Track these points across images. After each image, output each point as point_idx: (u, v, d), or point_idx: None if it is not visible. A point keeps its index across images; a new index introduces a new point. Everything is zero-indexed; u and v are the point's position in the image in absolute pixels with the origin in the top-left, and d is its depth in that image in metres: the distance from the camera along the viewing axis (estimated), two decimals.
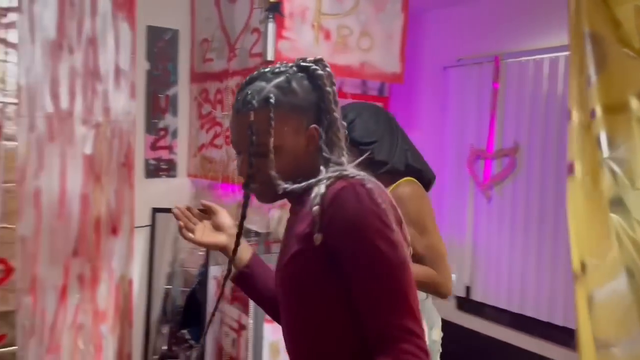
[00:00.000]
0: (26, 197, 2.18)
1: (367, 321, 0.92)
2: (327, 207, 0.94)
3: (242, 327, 2.23)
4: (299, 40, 2.06)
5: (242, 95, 1.01)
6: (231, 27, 2.25)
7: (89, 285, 2.30)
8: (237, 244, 1.11)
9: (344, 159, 1.03)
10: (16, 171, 2.14)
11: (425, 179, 1.69)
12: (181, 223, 1.18)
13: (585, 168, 1.51)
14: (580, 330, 1.54)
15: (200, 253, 2.53)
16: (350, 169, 0.99)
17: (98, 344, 2.35)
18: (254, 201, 1.05)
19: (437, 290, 1.60)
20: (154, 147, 2.48)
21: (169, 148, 2.52)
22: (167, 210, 2.46)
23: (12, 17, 2.10)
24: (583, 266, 1.52)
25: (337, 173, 0.98)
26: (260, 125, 0.98)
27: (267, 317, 2.24)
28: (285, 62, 1.05)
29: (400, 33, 2.36)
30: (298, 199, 1.03)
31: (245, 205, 1.04)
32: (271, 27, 1.97)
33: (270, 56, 1.98)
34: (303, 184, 1.01)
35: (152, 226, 2.54)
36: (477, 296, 2.76)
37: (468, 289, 2.81)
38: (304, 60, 1.05)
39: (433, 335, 1.77)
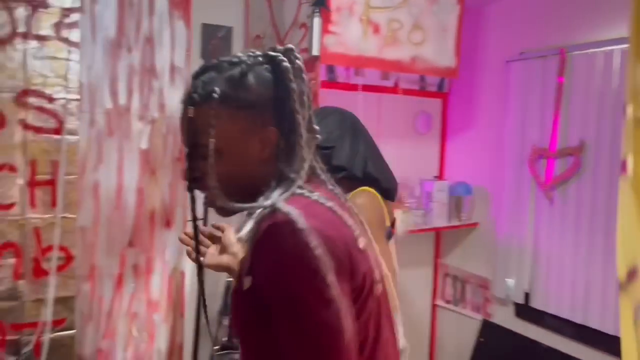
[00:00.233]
0: (86, 189, 2.29)
1: None
2: (253, 249, 0.82)
3: None
4: (346, 35, 2.03)
5: (189, 86, 0.90)
6: (281, 22, 2.25)
7: (143, 275, 2.38)
8: (197, 256, 0.96)
9: (302, 173, 0.87)
10: (77, 164, 2.26)
11: (383, 188, 1.65)
12: (189, 248, 1.12)
13: (638, 166, 1.37)
14: (625, 349, 1.39)
15: None
16: (301, 190, 0.85)
17: (151, 332, 2.43)
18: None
19: None
20: None
21: None
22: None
23: (74, 17, 2.21)
24: (632, 273, 1.38)
25: (270, 201, 0.83)
26: (202, 123, 0.85)
27: None
28: (253, 50, 0.92)
29: (456, 26, 2.27)
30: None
31: (193, 216, 0.91)
32: (317, 21, 1.95)
33: (315, 51, 1.97)
34: (245, 205, 0.86)
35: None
36: (536, 303, 2.61)
37: (527, 295, 2.66)
38: (273, 49, 0.91)
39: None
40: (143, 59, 2.35)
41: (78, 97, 2.23)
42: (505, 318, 2.80)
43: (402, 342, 1.71)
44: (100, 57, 2.27)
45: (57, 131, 2.19)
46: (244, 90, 0.87)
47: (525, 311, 2.70)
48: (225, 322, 2.71)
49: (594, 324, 2.35)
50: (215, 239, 1.12)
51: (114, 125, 2.30)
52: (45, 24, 2.16)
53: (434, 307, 3.26)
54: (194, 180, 0.90)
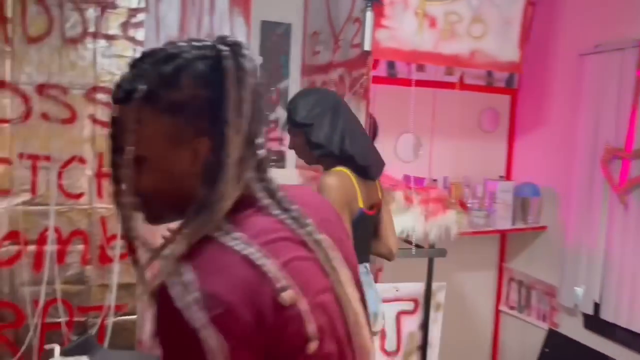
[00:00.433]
0: None
1: None
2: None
3: None
4: (400, 29, 1.98)
5: (120, 78, 0.77)
6: (336, 18, 2.23)
7: None
8: (137, 269, 0.79)
9: (225, 203, 0.71)
10: None
11: (359, 166, 1.66)
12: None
13: None
14: None
15: None
16: (217, 231, 0.70)
17: None
18: None
19: None
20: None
21: (279, 140, 2.59)
22: None
23: (140, 17, 2.32)
24: None
25: (169, 251, 0.70)
26: (125, 124, 0.73)
27: None
28: (202, 40, 0.76)
29: (520, 18, 2.15)
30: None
31: (124, 227, 0.77)
32: (369, 16, 1.91)
33: (367, 46, 1.93)
34: (147, 247, 0.73)
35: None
36: (607, 315, 2.43)
37: (597, 306, 2.48)
38: (223, 40, 0.75)
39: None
40: None
41: None
42: (573, 329, 2.63)
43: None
44: None
45: None
46: (175, 90, 0.73)
47: (594, 323, 2.52)
48: None
49: None
50: None
51: None
52: (113, 24, 2.28)
53: (498, 312, 3.12)
54: (117, 189, 0.76)
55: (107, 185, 2.32)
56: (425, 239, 2.19)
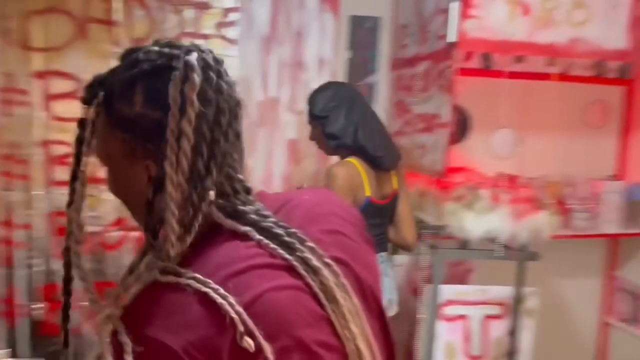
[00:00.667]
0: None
1: None
2: None
3: (418, 321, 2.17)
4: (489, 18, 1.88)
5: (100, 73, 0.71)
6: (424, 9, 2.17)
7: None
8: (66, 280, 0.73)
9: (174, 248, 0.64)
10: None
11: (370, 156, 1.75)
12: None
13: None
14: None
15: None
16: (164, 274, 0.63)
17: None
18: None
19: None
20: None
21: None
22: None
23: (233, 16, 2.41)
24: None
25: (123, 291, 0.65)
26: (85, 126, 0.69)
27: (445, 313, 2.14)
28: (171, 44, 0.67)
29: (629, 1, 1.94)
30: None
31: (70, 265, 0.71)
32: (455, 5, 1.83)
33: (452, 37, 1.86)
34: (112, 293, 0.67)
35: None
36: None
37: None
38: (189, 49, 0.65)
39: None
40: (292, 53, 2.47)
41: None
42: None
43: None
44: (254, 52, 2.44)
45: None
46: (126, 105, 0.65)
47: None
48: None
49: None
50: None
51: (264, 116, 2.47)
52: (208, 24, 2.40)
53: (604, 325, 2.87)
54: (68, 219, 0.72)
55: None
56: (514, 241, 2.07)
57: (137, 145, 0.66)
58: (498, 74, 2.11)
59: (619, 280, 2.79)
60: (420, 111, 2.16)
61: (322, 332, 0.66)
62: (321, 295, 0.67)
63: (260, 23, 2.44)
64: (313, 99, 1.85)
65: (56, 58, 2.24)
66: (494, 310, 2.15)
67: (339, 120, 1.76)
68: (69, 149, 0.68)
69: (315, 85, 2.48)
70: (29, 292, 2.28)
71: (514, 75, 2.10)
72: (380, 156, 1.77)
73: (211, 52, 0.67)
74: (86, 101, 0.68)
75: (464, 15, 1.86)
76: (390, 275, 1.94)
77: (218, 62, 0.66)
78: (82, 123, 0.68)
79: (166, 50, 0.65)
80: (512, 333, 2.17)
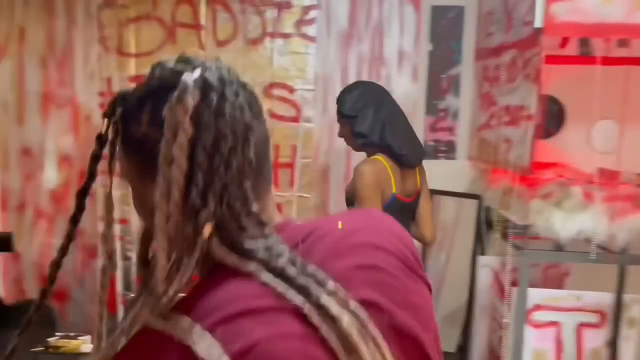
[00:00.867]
0: (318, 171, 2.50)
1: None
2: None
3: (503, 326, 2.05)
4: (580, 0, 1.72)
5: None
6: None
7: None
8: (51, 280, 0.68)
9: (166, 290, 0.57)
10: (312, 149, 2.48)
11: (396, 154, 1.81)
12: None
13: None
14: None
15: None
16: (153, 322, 0.58)
17: None
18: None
19: None
20: (433, 128, 2.48)
21: (449, 129, 2.48)
22: (445, 193, 2.43)
23: (312, 14, 2.42)
24: None
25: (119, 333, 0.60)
26: (112, 142, 0.65)
27: (534, 318, 2.01)
28: (187, 60, 0.62)
29: None
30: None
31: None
32: None
33: (539, 23, 1.72)
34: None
35: None
36: None
37: None
38: (195, 66, 0.59)
39: None
40: (372, 47, 2.43)
41: (313, 87, 2.45)
42: None
43: None
44: (334, 49, 2.43)
45: (295, 119, 2.45)
46: (135, 124, 0.62)
47: None
48: None
49: None
50: None
51: None
52: (288, 23, 2.43)
53: None
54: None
55: (281, 175, 2.48)
56: (612, 243, 1.88)
57: (145, 167, 0.60)
58: (592, 60, 1.93)
59: None
60: (505, 103, 2.04)
61: None
62: (338, 348, 0.56)
63: (339, 19, 2.43)
64: (342, 98, 1.90)
65: (147, 63, 2.36)
66: (591, 318, 1.98)
67: (366, 119, 1.83)
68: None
69: (396, 79, 2.44)
70: (126, 282, 2.44)
71: (612, 60, 1.90)
72: (406, 154, 1.84)
73: (222, 68, 0.60)
74: (106, 116, 0.64)
75: None
76: None
77: (224, 81, 0.59)
78: (99, 139, 0.65)
79: (178, 66, 0.60)
80: (611, 344, 1.98)
